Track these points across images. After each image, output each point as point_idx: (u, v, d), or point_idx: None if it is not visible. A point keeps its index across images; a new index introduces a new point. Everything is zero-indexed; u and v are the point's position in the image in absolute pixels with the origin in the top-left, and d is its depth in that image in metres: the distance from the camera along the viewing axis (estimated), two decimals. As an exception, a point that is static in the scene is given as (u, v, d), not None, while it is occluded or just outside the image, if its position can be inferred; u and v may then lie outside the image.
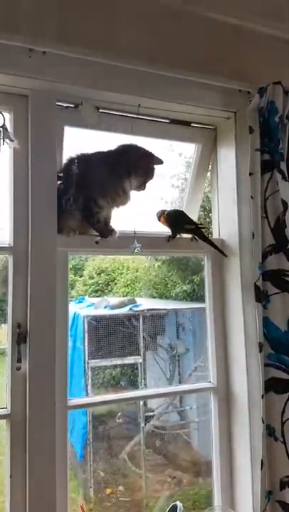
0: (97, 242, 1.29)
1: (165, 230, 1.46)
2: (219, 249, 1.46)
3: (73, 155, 1.30)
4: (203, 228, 1.46)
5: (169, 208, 1.54)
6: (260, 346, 1.31)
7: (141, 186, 1.34)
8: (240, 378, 1.43)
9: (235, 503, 1.44)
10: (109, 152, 1.33)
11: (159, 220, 1.46)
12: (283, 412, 1.31)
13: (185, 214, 1.48)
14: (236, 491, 1.44)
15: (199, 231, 1.44)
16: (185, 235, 1.46)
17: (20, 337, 1.15)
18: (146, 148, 1.35)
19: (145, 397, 2.68)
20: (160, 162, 1.35)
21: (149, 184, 1.36)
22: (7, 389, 1.16)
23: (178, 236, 1.44)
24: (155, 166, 1.35)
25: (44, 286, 1.18)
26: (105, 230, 1.31)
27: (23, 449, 1.14)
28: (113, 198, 1.30)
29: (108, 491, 3.54)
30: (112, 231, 1.32)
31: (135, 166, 1.30)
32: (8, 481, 1.15)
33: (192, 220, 1.47)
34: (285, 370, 1.32)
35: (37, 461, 1.14)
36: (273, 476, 1.32)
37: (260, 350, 1.31)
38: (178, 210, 1.51)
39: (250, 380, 1.39)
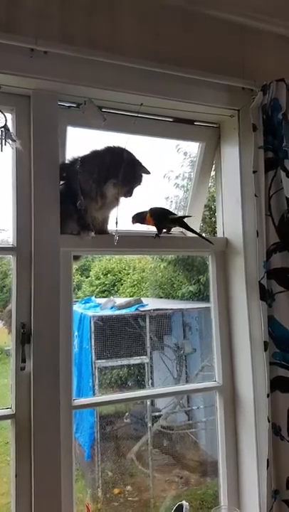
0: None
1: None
2: (205, 238, 1.42)
3: (70, 157, 1.30)
4: (187, 217, 1.44)
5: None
6: (266, 345, 1.30)
7: (126, 193, 1.32)
8: (245, 377, 1.43)
9: (241, 503, 1.43)
10: (95, 153, 1.32)
11: (144, 221, 1.41)
12: (289, 411, 1.30)
13: (166, 208, 1.46)
14: (243, 491, 1.44)
15: (183, 221, 1.41)
16: (173, 230, 1.43)
17: (24, 337, 1.16)
18: (133, 156, 1.33)
19: (150, 397, 2.67)
20: (147, 172, 1.34)
21: (150, 186, 1.36)
22: (11, 389, 1.17)
23: (164, 231, 1.40)
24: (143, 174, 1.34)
25: (48, 287, 1.18)
26: (100, 231, 1.32)
27: (28, 449, 1.14)
28: (94, 201, 1.29)
29: (116, 490, 3.54)
30: (102, 232, 1.33)
31: (115, 172, 1.28)
32: (14, 481, 1.16)
33: (174, 213, 1.45)
34: (290, 368, 1.31)
35: (42, 460, 1.14)
36: (280, 475, 1.30)
37: (266, 349, 1.30)
38: (158, 207, 1.46)
39: (255, 379, 1.38)
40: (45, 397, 1.15)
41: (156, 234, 1.38)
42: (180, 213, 1.65)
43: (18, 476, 1.15)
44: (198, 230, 1.63)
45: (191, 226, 1.42)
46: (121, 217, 1.38)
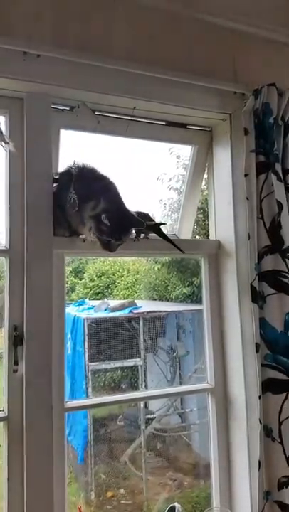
0: (84, 241, 1.27)
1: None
2: (176, 246, 1.37)
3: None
4: (163, 224, 1.40)
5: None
6: (257, 347, 1.31)
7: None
8: (237, 379, 1.44)
9: (233, 504, 1.44)
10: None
11: None
12: (280, 412, 1.31)
13: (147, 214, 1.42)
14: (235, 492, 1.44)
15: (159, 228, 1.37)
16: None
17: (16, 339, 1.16)
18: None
19: (143, 399, 2.67)
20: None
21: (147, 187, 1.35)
22: (4, 391, 1.17)
23: (142, 235, 1.38)
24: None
25: (40, 289, 1.18)
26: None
27: (21, 452, 1.14)
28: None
29: (109, 493, 3.53)
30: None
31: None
32: (6, 484, 1.15)
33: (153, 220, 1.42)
34: (281, 370, 1.32)
35: (34, 463, 1.14)
36: (271, 477, 1.31)
37: (257, 351, 1.31)
38: (140, 211, 1.41)
39: (247, 381, 1.39)
40: (37, 399, 1.14)
41: (135, 237, 1.35)
42: (174, 216, 1.66)
43: (10, 479, 1.14)
44: (191, 232, 1.64)
45: (183, 229, 1.43)
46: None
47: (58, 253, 1.26)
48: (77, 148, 1.43)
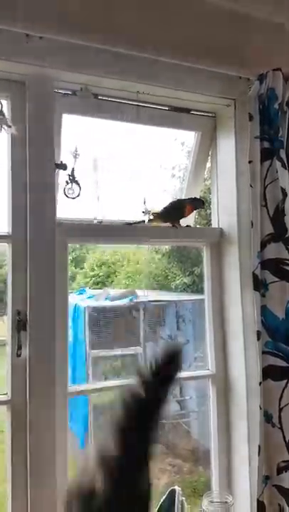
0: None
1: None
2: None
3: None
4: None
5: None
6: (258, 334, 1.31)
7: None
8: (238, 366, 1.45)
9: (233, 488, 1.46)
10: None
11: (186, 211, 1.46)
12: (280, 398, 1.33)
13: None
14: (234, 476, 1.46)
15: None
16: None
17: (20, 324, 1.16)
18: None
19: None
20: None
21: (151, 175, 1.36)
22: (7, 376, 1.18)
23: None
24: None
25: (43, 274, 1.18)
26: None
27: (24, 434, 1.15)
28: None
29: (109, 479, 3.58)
30: None
31: None
32: (10, 467, 1.17)
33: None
34: (282, 357, 1.33)
35: (38, 445, 1.15)
36: (270, 461, 1.33)
37: (258, 338, 1.31)
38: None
39: (248, 368, 1.40)
40: (41, 383, 1.15)
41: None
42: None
43: (14, 460, 1.16)
44: (193, 222, 1.64)
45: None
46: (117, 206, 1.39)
47: (61, 239, 1.25)
48: (79, 133, 1.42)
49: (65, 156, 1.30)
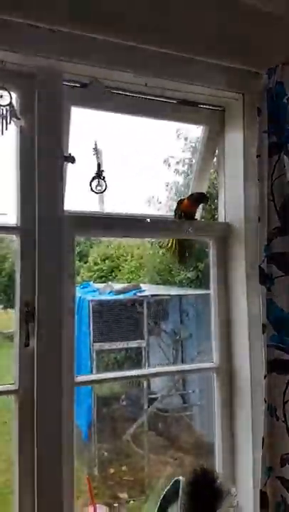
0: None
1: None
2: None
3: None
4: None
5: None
6: (264, 327, 1.32)
7: None
8: (242, 359, 1.46)
9: (236, 479, 1.48)
10: None
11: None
12: (285, 392, 1.33)
13: None
14: (238, 468, 1.48)
15: None
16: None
17: (28, 315, 1.18)
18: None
19: (149, 376, 2.71)
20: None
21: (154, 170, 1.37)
22: (15, 365, 1.19)
23: None
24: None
25: (51, 265, 1.20)
26: None
27: (31, 423, 1.17)
28: None
29: (112, 470, 3.63)
30: None
31: None
32: (17, 455, 1.19)
33: None
34: (287, 351, 1.34)
35: (44, 434, 1.17)
36: (274, 454, 1.34)
37: (264, 332, 1.32)
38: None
39: (252, 361, 1.41)
40: (48, 373, 1.17)
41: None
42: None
43: (21, 448, 1.18)
44: (199, 216, 1.65)
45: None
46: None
47: (69, 232, 1.26)
48: (86, 126, 1.42)
49: (82, 150, 1.31)
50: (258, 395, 1.35)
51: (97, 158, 1.31)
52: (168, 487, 1.39)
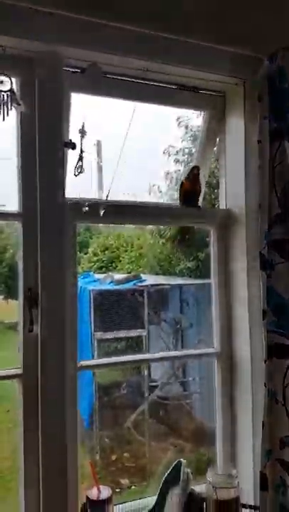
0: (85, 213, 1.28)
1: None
2: None
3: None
4: None
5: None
6: (264, 313, 1.34)
7: None
8: (243, 344, 1.48)
9: (237, 462, 1.51)
10: None
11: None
12: (285, 376, 1.35)
13: None
14: (238, 451, 1.51)
15: None
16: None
17: (31, 301, 1.19)
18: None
19: (151, 361, 2.74)
20: None
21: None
22: (20, 350, 1.21)
23: None
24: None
25: (54, 251, 1.20)
26: None
27: (36, 407, 1.19)
28: None
29: (114, 457, 3.69)
30: None
31: None
32: (22, 438, 1.21)
33: None
34: (287, 336, 1.35)
35: (49, 417, 1.19)
36: (274, 437, 1.37)
37: (264, 318, 1.34)
38: None
39: (252, 346, 1.43)
40: (52, 357, 1.19)
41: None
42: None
43: (26, 432, 1.20)
44: (200, 204, 1.65)
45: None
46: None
47: (71, 218, 1.27)
48: (85, 112, 1.41)
49: (73, 135, 1.30)
50: (258, 379, 1.37)
51: (81, 140, 1.29)
52: (170, 469, 1.42)
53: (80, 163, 1.27)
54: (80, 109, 1.35)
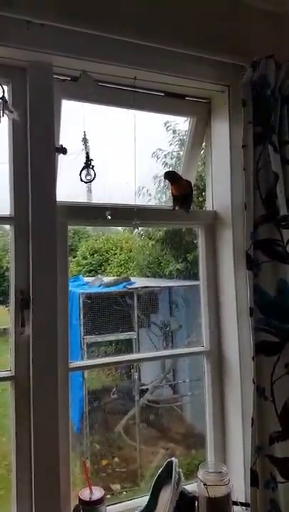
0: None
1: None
2: None
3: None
4: None
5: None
6: (251, 311, 1.37)
7: None
8: (232, 342, 1.51)
9: (227, 459, 1.53)
10: None
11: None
12: (273, 373, 1.39)
13: None
14: (228, 448, 1.54)
15: None
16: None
17: (23, 303, 1.20)
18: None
19: (140, 360, 2.76)
20: None
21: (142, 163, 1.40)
22: (11, 352, 1.22)
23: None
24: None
25: (45, 254, 1.22)
26: None
27: (28, 409, 1.20)
28: None
29: (104, 462, 3.67)
30: None
31: None
32: (14, 440, 1.22)
33: None
34: (274, 333, 1.39)
35: (41, 419, 1.20)
36: (263, 433, 1.39)
37: (251, 315, 1.37)
38: None
39: (241, 344, 1.47)
40: (43, 359, 1.20)
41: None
42: (168, 192, 1.70)
43: (18, 434, 1.21)
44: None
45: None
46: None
47: (62, 222, 1.29)
48: (76, 118, 1.44)
49: (71, 142, 1.33)
50: (247, 376, 1.41)
51: (86, 148, 1.33)
52: (161, 468, 1.44)
53: (87, 170, 1.30)
54: (78, 116, 1.39)
